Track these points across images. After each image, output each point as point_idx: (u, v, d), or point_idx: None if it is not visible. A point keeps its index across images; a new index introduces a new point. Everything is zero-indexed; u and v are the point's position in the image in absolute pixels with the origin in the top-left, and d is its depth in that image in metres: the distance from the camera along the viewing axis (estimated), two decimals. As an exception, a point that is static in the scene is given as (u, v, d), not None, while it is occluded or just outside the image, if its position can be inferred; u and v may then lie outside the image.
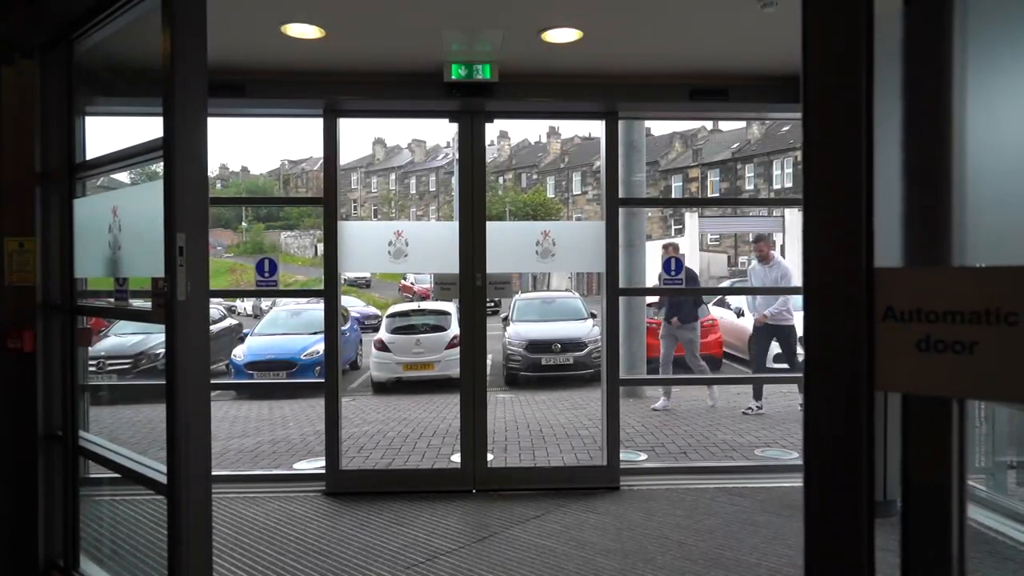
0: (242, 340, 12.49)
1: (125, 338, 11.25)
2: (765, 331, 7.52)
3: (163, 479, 2.38)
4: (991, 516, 3.72)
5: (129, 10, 2.59)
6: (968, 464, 0.94)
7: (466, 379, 4.69)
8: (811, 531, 1.03)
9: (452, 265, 4.62)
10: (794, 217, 24.08)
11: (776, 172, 40.78)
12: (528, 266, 4.74)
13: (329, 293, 4.65)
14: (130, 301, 2.92)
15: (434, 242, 4.74)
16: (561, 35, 3.75)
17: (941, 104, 0.89)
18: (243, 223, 57.23)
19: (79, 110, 3.19)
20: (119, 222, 2.67)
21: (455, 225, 4.62)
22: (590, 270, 4.99)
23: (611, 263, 4.67)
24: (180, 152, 2.27)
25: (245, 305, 29.38)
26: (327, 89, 4.42)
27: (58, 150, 3.12)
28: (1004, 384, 0.78)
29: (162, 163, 2.61)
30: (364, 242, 4.69)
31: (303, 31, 3.66)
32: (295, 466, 5.76)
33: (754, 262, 7.57)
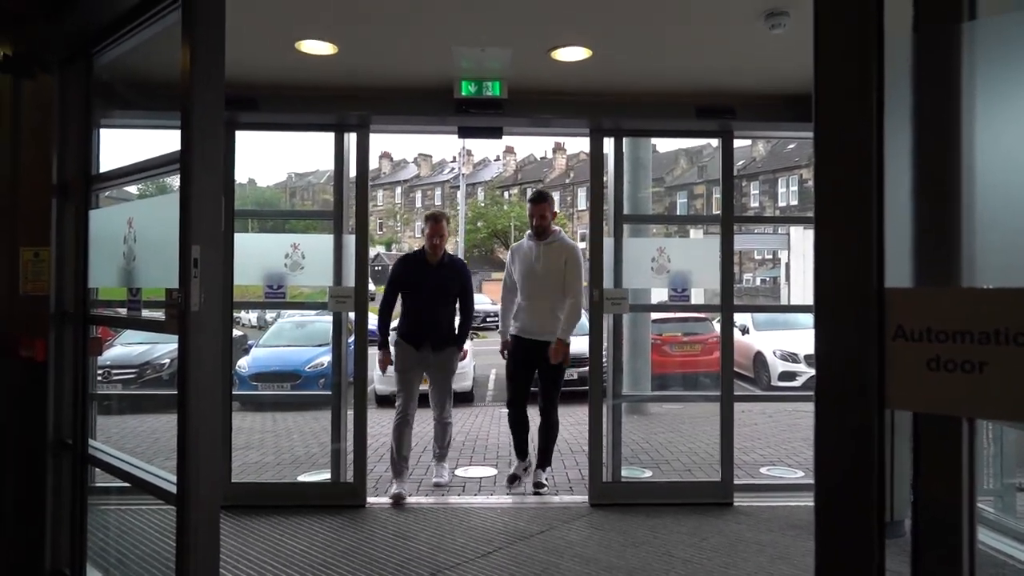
0: (247, 352, 12.51)
1: (131, 348, 11.30)
2: None
3: (172, 488, 2.39)
4: (1000, 539, 3.70)
5: (149, 26, 2.64)
6: (977, 484, 0.95)
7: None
8: (821, 548, 1.04)
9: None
10: (799, 235, 24.09)
11: (781, 190, 40.84)
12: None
13: (360, 304, 4.69)
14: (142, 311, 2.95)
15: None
16: (570, 53, 3.79)
17: (950, 127, 0.91)
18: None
19: (95, 122, 3.25)
20: (134, 233, 2.71)
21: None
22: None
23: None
24: (196, 166, 2.30)
25: (249, 316, 29.44)
26: (338, 104, 4.48)
27: (75, 162, 3.17)
28: (1013, 404, 0.80)
29: (175, 176, 2.66)
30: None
31: (316, 48, 3.72)
32: (299, 478, 5.75)
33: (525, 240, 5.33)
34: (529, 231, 5.20)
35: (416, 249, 5.36)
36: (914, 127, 0.92)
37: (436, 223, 5.11)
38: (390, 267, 5.62)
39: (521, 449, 5.29)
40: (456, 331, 5.20)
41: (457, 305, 5.24)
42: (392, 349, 5.04)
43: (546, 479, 5.16)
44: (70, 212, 3.17)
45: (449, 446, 5.43)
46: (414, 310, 5.06)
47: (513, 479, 5.23)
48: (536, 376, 5.11)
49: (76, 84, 3.16)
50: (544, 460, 5.19)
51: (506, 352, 5.22)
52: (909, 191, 0.93)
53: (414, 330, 5.01)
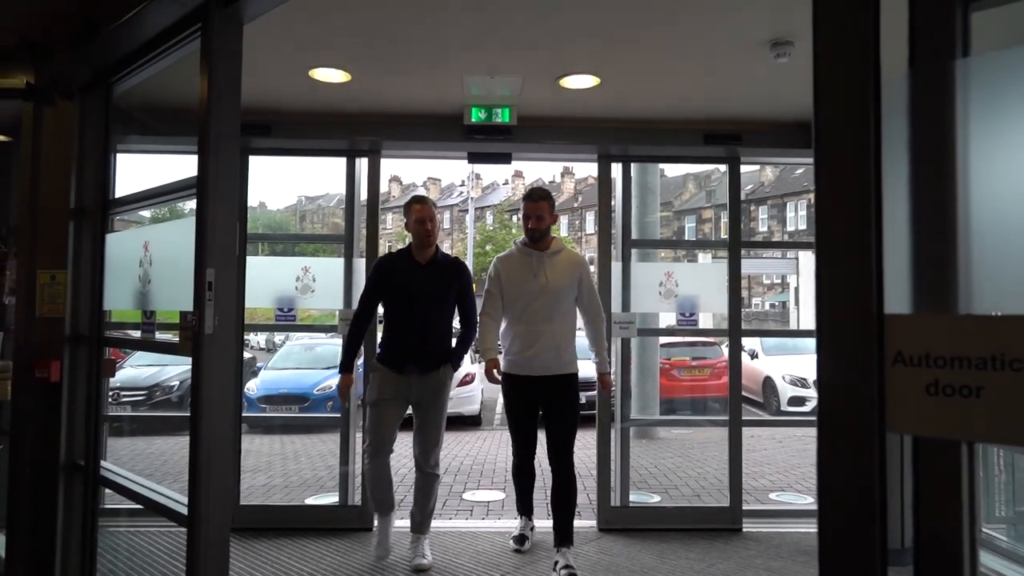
0: (255, 374, 12.55)
1: (140, 370, 11.36)
2: None
3: (183, 510, 2.42)
4: (1013, 567, 3.65)
5: (169, 55, 2.71)
6: (978, 507, 0.96)
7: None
8: (825, 572, 1.05)
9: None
10: (808, 259, 24.05)
11: (790, 214, 40.85)
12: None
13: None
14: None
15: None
16: (579, 81, 3.86)
17: (946, 158, 0.94)
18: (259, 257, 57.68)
19: (112, 147, 3.32)
20: (150, 257, 2.76)
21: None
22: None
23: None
24: (212, 191, 2.35)
25: (258, 339, 29.52)
26: (350, 130, 4.56)
27: (92, 186, 3.24)
28: (1009, 428, 0.82)
29: (186, 200, 2.73)
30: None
31: (330, 75, 3.80)
32: (307, 501, 5.75)
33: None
34: (520, 239, 4.10)
35: (400, 248, 4.13)
36: (911, 158, 0.95)
37: (423, 204, 3.96)
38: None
39: (526, 506, 4.34)
40: (454, 348, 4.06)
41: (455, 316, 4.13)
42: (370, 376, 4.03)
43: (573, 559, 3.92)
44: (87, 236, 3.23)
45: (433, 513, 4.11)
46: (402, 323, 3.90)
47: (521, 539, 4.27)
48: (542, 418, 4.04)
49: (95, 111, 3.24)
50: (565, 536, 3.92)
51: (497, 373, 4.00)
52: (907, 220, 0.95)
53: (400, 349, 3.88)
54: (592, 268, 4.32)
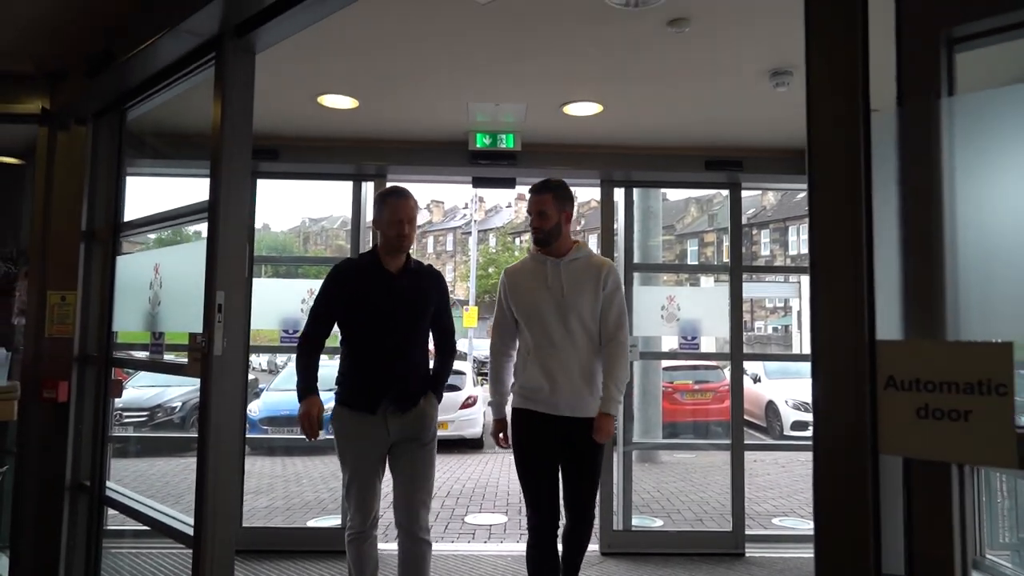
0: (257, 395, 12.54)
1: (142, 391, 11.36)
2: None
3: (189, 531, 2.44)
4: (1016, 594, 3.64)
5: (182, 83, 2.78)
6: (972, 531, 0.99)
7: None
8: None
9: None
10: (810, 283, 24.09)
11: (792, 238, 40.96)
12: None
13: None
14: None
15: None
16: (582, 108, 3.93)
17: (933, 192, 0.98)
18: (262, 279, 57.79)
19: (124, 171, 3.38)
20: (160, 279, 2.81)
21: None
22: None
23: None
24: (224, 216, 2.41)
25: (260, 360, 29.51)
26: (357, 155, 4.62)
27: (103, 209, 3.30)
28: (995, 450, 0.85)
29: (194, 224, 2.78)
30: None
31: (338, 102, 3.88)
32: (309, 523, 5.74)
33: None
34: (531, 247, 3.25)
35: (363, 252, 3.29)
36: (900, 192, 1.00)
37: (402, 200, 3.02)
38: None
39: None
40: (432, 375, 3.14)
41: (432, 338, 3.22)
42: (332, 426, 3.05)
43: None
44: (97, 258, 3.29)
45: None
46: (371, 349, 2.99)
47: None
48: (562, 468, 3.08)
49: (108, 135, 3.32)
50: (574, 569, 3.16)
51: (503, 437, 3.18)
52: (898, 251, 1.00)
53: (368, 384, 2.96)
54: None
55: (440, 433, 3.32)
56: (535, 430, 3.03)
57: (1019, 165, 0.94)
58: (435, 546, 3.70)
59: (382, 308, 2.98)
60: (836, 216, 1.03)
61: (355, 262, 3.19)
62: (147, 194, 3.63)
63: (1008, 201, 0.94)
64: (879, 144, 1.00)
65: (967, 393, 0.88)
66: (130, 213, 3.32)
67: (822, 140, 1.06)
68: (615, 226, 4.92)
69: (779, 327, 38.16)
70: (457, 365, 11.77)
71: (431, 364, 3.19)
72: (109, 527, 3.29)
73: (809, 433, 6.09)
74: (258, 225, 5.18)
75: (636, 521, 4.96)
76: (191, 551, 2.39)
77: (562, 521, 3.09)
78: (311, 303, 3.19)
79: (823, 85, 1.07)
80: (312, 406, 2.93)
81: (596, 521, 3.37)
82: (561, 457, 3.04)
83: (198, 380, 2.37)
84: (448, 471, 8.54)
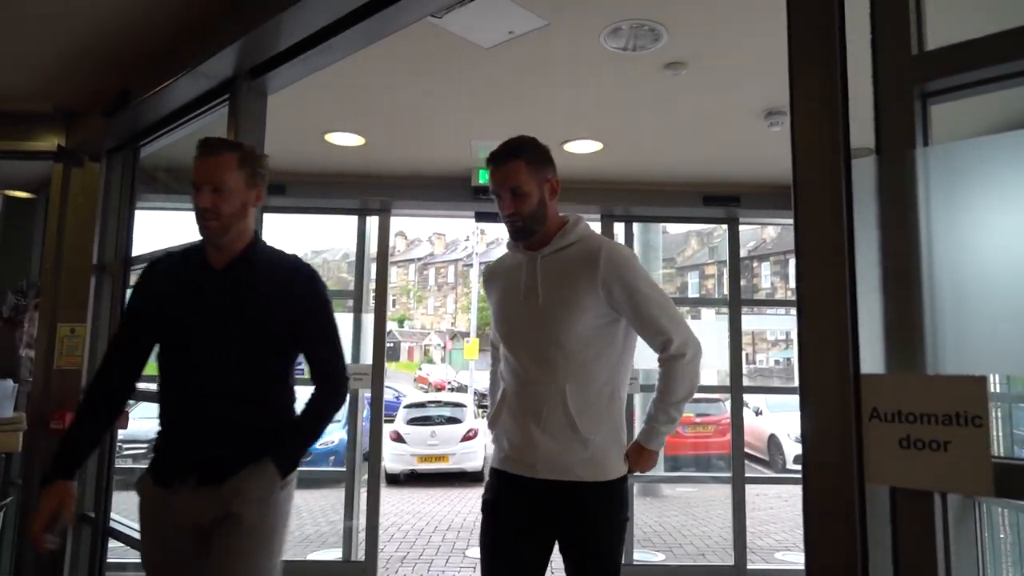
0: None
1: (141, 423, 11.32)
2: None
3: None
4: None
5: (196, 121, 2.88)
6: (955, 560, 1.03)
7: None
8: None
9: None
10: (811, 316, 24.10)
11: (792, 271, 41.09)
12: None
13: (376, 381, 4.65)
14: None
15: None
16: (582, 146, 4.03)
17: (911, 234, 1.05)
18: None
19: (135, 206, 3.47)
20: (170, 312, 2.85)
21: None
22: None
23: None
24: (234, 250, 2.46)
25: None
26: (362, 191, 4.71)
27: (114, 243, 3.37)
28: (973, 479, 0.90)
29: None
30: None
31: (345, 139, 3.98)
32: (309, 556, 5.72)
33: None
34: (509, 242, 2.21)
35: (191, 243, 2.09)
36: (880, 234, 1.06)
37: (205, 155, 2.02)
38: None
39: None
40: (284, 430, 1.95)
41: (290, 376, 2.06)
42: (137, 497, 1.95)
43: None
44: (107, 290, 3.35)
45: None
46: (170, 388, 1.95)
47: None
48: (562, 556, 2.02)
49: (121, 172, 3.40)
50: None
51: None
52: (879, 290, 1.06)
53: (164, 442, 1.94)
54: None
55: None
56: (506, 500, 2.03)
57: (990, 210, 1.01)
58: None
59: (184, 321, 1.88)
60: (821, 257, 1.10)
61: (177, 255, 2.06)
62: (156, 228, 3.70)
63: (980, 244, 1.01)
64: (860, 189, 1.07)
65: (946, 424, 0.93)
66: (139, 247, 3.39)
67: (806, 186, 1.13)
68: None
69: (781, 360, 38.07)
70: (458, 398, 11.70)
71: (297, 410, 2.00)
72: (111, 559, 3.30)
73: (810, 466, 6.01)
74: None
75: (638, 555, 4.95)
76: (195, 582, 2.40)
77: None
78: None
79: (806, 134, 1.15)
80: (50, 497, 1.85)
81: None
82: (551, 540, 2.00)
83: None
84: (448, 504, 8.49)
